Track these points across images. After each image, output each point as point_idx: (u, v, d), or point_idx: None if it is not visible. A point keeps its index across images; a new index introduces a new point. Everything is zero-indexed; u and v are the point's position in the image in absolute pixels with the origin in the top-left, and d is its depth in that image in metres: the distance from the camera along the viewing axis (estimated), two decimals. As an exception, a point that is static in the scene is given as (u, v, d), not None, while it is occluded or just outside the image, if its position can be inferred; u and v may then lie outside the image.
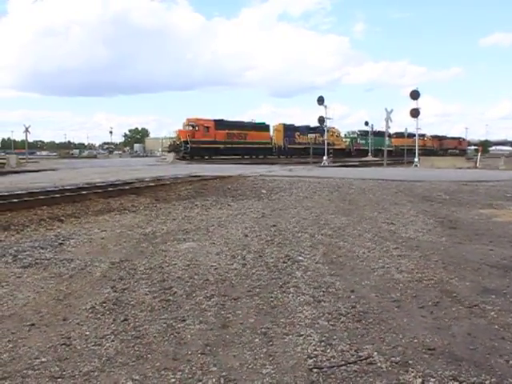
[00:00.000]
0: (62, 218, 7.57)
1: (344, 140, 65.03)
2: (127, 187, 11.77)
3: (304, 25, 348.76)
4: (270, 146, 53.44)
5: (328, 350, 2.81)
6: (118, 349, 2.83)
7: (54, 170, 21.32)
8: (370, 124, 66.39)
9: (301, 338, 3.00)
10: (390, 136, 67.78)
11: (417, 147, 30.89)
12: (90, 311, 3.44)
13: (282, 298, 3.73)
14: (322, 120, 36.19)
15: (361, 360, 2.68)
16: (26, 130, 40.49)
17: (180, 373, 2.54)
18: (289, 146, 54.82)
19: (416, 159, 29.49)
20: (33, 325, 3.19)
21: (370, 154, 61.08)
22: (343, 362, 2.65)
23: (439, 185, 12.84)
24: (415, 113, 29.91)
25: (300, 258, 4.98)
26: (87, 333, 3.06)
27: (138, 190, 11.12)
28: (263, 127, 54.10)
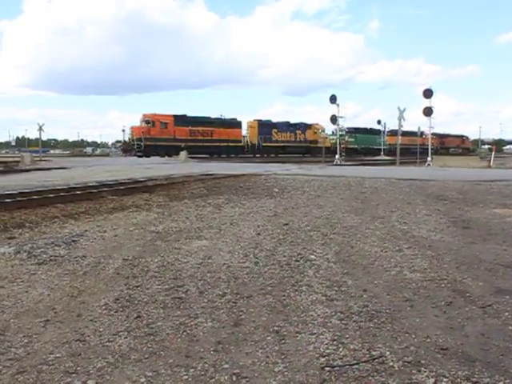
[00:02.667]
0: (76, 215, 7.63)
1: (331, 138, 58.47)
2: (140, 185, 11.84)
3: (318, 23, 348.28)
4: (241, 144, 49.79)
5: (340, 349, 2.81)
6: (131, 345, 2.85)
7: (67, 168, 21.46)
8: (382, 123, 65.15)
9: (313, 336, 3.00)
10: (378, 133, 66.50)
11: (429, 146, 30.64)
12: (104, 308, 3.47)
13: (294, 297, 3.73)
14: (334, 119, 35.93)
15: (373, 359, 2.67)
16: (40, 129, 40.68)
17: (192, 370, 2.56)
18: (264, 144, 50.54)
19: (429, 158, 29.29)
20: (47, 321, 3.22)
21: (382, 153, 60.01)
22: (355, 361, 2.65)
23: (452, 184, 12.76)
24: (428, 111, 29.67)
25: (312, 256, 4.98)
26: (101, 329, 3.09)
27: (150, 188, 11.18)
28: (234, 124, 50.40)
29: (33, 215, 7.54)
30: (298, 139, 55.25)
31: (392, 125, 59.68)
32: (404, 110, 31.29)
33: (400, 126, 32.73)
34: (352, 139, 59.59)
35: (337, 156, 34.51)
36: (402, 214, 7.95)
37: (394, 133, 66.39)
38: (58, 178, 14.55)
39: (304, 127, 56.91)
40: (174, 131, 43.15)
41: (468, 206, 8.86)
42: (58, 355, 2.71)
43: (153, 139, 40.94)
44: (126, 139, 44.19)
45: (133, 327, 3.12)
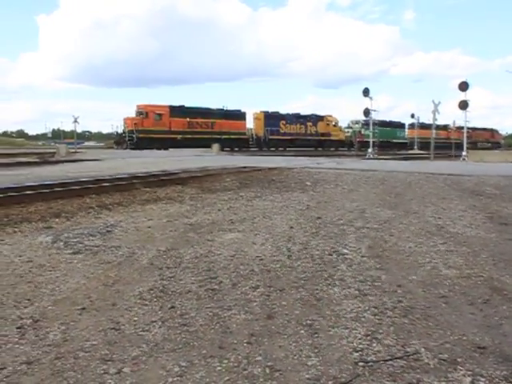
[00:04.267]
0: (110, 206, 7.74)
1: (346, 131, 57.95)
2: (173, 177, 11.93)
3: (352, 14, 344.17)
4: (245, 136, 47.47)
5: (374, 344, 2.79)
6: (165, 335, 2.88)
7: (101, 160, 21.76)
8: (416, 116, 63.68)
9: (346, 331, 2.98)
10: (399, 127, 64.55)
11: (465, 140, 30.06)
12: (138, 298, 3.52)
13: (327, 291, 3.72)
14: (367, 112, 35.54)
15: (407, 355, 2.64)
16: (75, 121, 41.29)
17: (226, 361, 2.57)
18: (271, 137, 48.04)
19: (464, 153, 28.76)
20: (84, 309, 3.28)
21: (415, 147, 58.78)
22: (389, 357, 2.63)
23: (488, 179, 12.48)
24: (463, 105, 29.11)
25: (345, 250, 4.94)
26: (135, 318, 3.13)
27: (183, 181, 11.25)
28: (237, 115, 47.67)
29: (69, 205, 7.68)
30: (308, 132, 52.43)
31: (426, 118, 57.86)
32: (439, 103, 30.78)
33: (434, 119, 32.23)
34: (368, 132, 56.37)
35: (369, 150, 34.17)
36: (436, 208, 7.83)
37: (413, 126, 64.98)
38: (92, 170, 14.78)
39: (315, 119, 54.09)
40: (170, 123, 41.20)
41: (505, 202, 8.67)
42: (93, 342, 2.76)
43: (146, 131, 39.09)
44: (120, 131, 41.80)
45: (167, 317, 3.16)
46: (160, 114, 40.67)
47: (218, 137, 43.05)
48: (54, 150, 30.10)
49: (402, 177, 13.07)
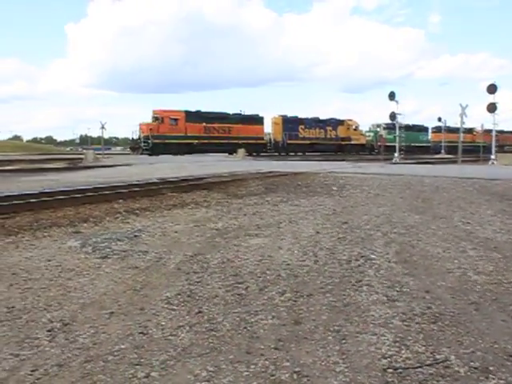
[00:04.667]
0: (137, 211, 7.82)
1: (367, 135, 57.34)
2: (199, 182, 12.01)
3: (377, 18, 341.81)
4: (263, 141, 47.08)
5: (403, 351, 2.75)
6: (192, 340, 2.89)
7: (128, 165, 22.02)
8: (443, 120, 62.80)
9: (374, 337, 2.95)
10: (421, 130, 63.42)
11: (493, 143, 29.59)
12: (166, 302, 3.54)
13: (354, 296, 3.69)
14: (393, 116, 35.29)
15: (437, 363, 2.60)
16: (102, 127, 41.79)
17: (253, 366, 2.57)
18: (289, 142, 47.80)
19: (492, 156, 28.31)
20: (112, 313, 3.32)
21: (443, 151, 57.96)
22: (419, 364, 2.59)
23: (519, 183, 12.25)
24: (492, 108, 28.68)
25: (372, 256, 4.90)
26: (163, 323, 3.15)
27: (209, 186, 11.31)
28: (255, 120, 47.15)
29: (97, 210, 7.78)
30: (328, 136, 52.14)
31: (452, 122, 56.87)
32: (466, 106, 30.39)
33: (462, 122, 31.81)
34: (390, 136, 53.26)
35: (395, 154, 33.90)
36: (464, 213, 7.71)
37: (438, 129, 63.86)
38: (119, 175, 14.97)
39: (335, 123, 53.93)
40: (186, 128, 40.83)
41: (536, 207, 8.49)
42: (122, 346, 2.79)
43: (161, 137, 38.86)
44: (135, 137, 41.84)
45: (194, 322, 3.17)
46: (176, 119, 40.55)
47: (235, 142, 42.77)
48: (82, 156, 30.53)
49: (428, 181, 12.92)
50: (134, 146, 40.41)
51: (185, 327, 3.08)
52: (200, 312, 3.35)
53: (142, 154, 37.47)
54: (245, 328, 3.08)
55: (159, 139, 38.64)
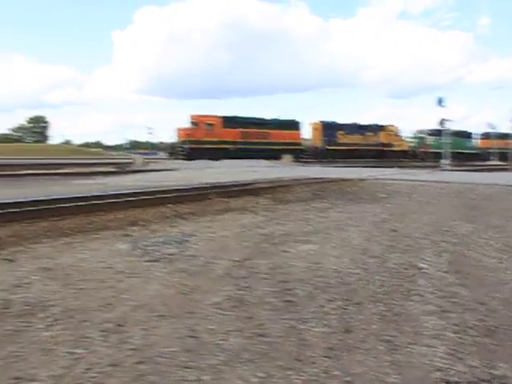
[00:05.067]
0: (185, 215, 7.91)
1: (410, 141, 55.79)
2: (245, 188, 12.05)
3: (425, 22, 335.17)
4: (300, 147, 46.39)
5: (457, 364, 2.67)
6: (242, 345, 2.89)
7: (174, 169, 22.33)
8: (493, 125, 60.90)
9: (426, 348, 2.88)
10: (466, 136, 61.27)
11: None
12: (215, 306, 3.55)
13: (405, 306, 3.61)
14: (442, 122, 34.62)
15: (494, 379, 2.52)
16: (150, 132, 42.56)
17: (304, 374, 2.54)
18: (328, 148, 46.95)
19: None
20: (162, 316, 3.35)
21: (493, 158, 56.27)
22: (474, 379, 2.51)
23: None
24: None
25: (423, 265, 4.79)
26: (212, 327, 3.15)
27: (256, 191, 11.34)
28: (292, 125, 46.79)
29: (145, 214, 7.92)
30: (368, 142, 51.23)
31: (504, 128, 55.11)
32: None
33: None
34: (434, 142, 52.67)
35: (444, 161, 33.20)
36: (520, 223, 7.46)
37: (487, 136, 61.90)
38: (167, 179, 15.19)
39: (376, 129, 53.05)
40: (222, 133, 40.84)
41: None
42: (172, 349, 2.80)
43: (198, 142, 38.99)
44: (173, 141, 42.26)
45: (243, 327, 3.16)
46: (212, 125, 40.57)
47: (272, 147, 42.63)
48: (131, 160, 31.15)
49: (480, 189, 12.59)
50: (172, 151, 40.67)
51: (234, 332, 3.08)
52: (249, 317, 3.34)
53: (179, 158, 37.79)
54: (294, 335, 3.05)
55: (196, 144, 38.88)
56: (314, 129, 48.68)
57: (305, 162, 39.59)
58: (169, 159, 38.82)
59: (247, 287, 4.02)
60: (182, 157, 38.13)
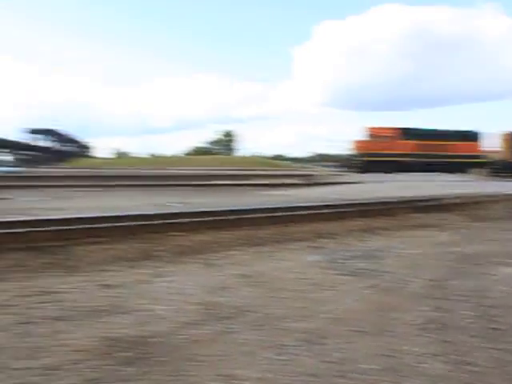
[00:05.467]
0: (373, 229, 7.81)
1: None
2: (435, 203, 11.51)
3: None
4: (479, 159, 41.60)
5: None
6: (445, 371, 2.74)
7: (359, 182, 22.17)
8: None
9: None
10: None
11: None
12: (412, 327, 3.44)
13: None
14: None
15: None
16: (330, 145, 42.44)
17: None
18: None
19: None
20: (359, 331, 3.33)
21: None
22: None
23: None
24: None
25: None
26: (411, 348, 3.05)
27: (447, 207, 10.79)
28: (470, 136, 42.67)
29: (331, 227, 7.98)
30: None
31: None
32: None
33: None
34: None
35: None
36: None
37: None
38: (351, 192, 15.13)
39: None
40: (398, 146, 39.20)
41: None
42: (372, 366, 2.77)
43: (373, 154, 37.90)
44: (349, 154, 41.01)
45: (443, 352, 3.01)
46: (388, 137, 39.45)
47: (450, 160, 40.13)
48: (314, 173, 31.71)
49: None
50: (346, 164, 40.12)
51: (434, 356, 2.94)
52: (447, 341, 3.18)
53: (354, 171, 37.10)
54: (502, 367, 2.81)
55: (371, 156, 38.13)
56: (504, 140, 43.42)
57: (495, 175, 36.44)
58: (346, 172, 38.81)
59: (443, 309, 3.83)
60: (357, 169, 37.68)
